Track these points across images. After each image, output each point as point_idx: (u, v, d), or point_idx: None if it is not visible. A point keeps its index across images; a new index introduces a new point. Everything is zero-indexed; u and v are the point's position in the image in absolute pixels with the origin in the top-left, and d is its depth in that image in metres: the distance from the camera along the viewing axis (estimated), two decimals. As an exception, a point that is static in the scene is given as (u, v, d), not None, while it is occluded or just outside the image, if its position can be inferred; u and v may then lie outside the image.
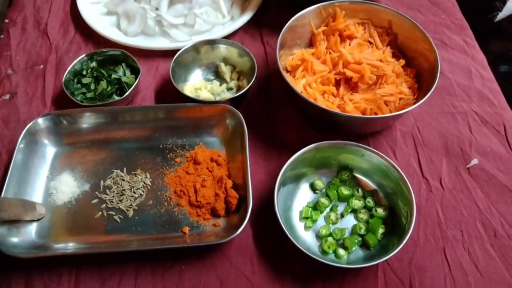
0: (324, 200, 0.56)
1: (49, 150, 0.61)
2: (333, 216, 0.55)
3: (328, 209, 0.56)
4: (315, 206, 0.56)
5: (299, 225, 0.55)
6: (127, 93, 0.63)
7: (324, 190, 0.58)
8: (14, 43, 0.76)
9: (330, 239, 0.53)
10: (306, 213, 0.55)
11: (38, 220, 0.54)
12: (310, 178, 0.58)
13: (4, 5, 0.76)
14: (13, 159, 0.56)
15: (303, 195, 0.57)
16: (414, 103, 0.58)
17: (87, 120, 0.61)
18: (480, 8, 1.82)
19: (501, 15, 1.69)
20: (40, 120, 0.59)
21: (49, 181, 0.58)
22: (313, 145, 0.55)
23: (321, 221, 0.55)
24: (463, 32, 0.76)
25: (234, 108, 0.60)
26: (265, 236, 0.54)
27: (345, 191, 0.56)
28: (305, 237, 0.54)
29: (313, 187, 0.58)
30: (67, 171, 0.60)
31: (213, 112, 0.61)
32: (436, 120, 0.65)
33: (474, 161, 0.61)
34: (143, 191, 0.58)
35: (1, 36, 0.77)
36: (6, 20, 0.79)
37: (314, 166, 0.58)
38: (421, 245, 0.54)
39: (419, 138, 0.63)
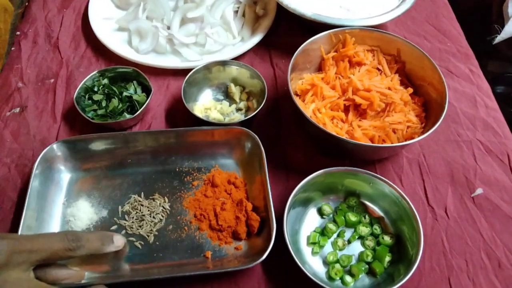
0: (331, 226, 0.57)
1: (65, 176, 0.60)
2: (340, 242, 0.56)
3: (335, 235, 0.57)
4: (323, 232, 0.57)
5: (306, 250, 0.55)
6: (138, 112, 0.63)
7: (331, 215, 0.58)
8: (25, 56, 0.76)
9: (337, 265, 0.53)
10: (314, 239, 0.55)
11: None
12: (318, 203, 0.59)
13: (17, 18, 0.76)
14: (30, 186, 0.55)
15: (311, 220, 0.58)
16: (422, 132, 0.59)
17: (102, 145, 0.61)
18: (479, 29, 1.84)
19: (499, 38, 1.71)
20: (55, 146, 0.59)
21: (66, 208, 0.58)
22: (322, 170, 0.55)
23: (328, 247, 0.56)
24: (468, 61, 0.78)
25: (250, 131, 0.60)
26: (273, 260, 0.54)
27: (352, 217, 0.57)
28: (312, 263, 0.54)
29: (320, 212, 0.58)
30: (84, 197, 0.59)
31: (229, 135, 0.61)
32: (442, 148, 0.66)
33: (479, 191, 0.61)
34: (163, 216, 0.58)
35: (12, 49, 0.77)
36: (18, 33, 0.79)
37: (322, 191, 0.59)
38: (426, 274, 0.54)
39: (425, 165, 0.64)
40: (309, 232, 0.57)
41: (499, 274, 0.55)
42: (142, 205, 0.58)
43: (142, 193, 0.60)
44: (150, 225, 0.56)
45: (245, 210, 0.56)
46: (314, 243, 0.55)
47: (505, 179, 0.63)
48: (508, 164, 0.64)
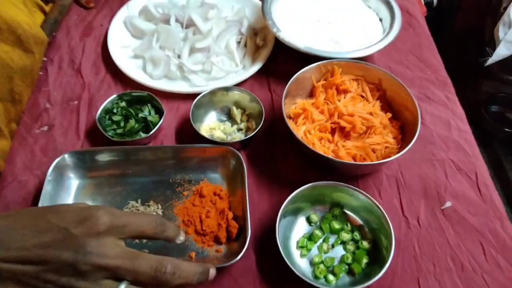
0: (318, 232, 0.65)
1: (73, 182, 0.70)
2: (325, 246, 0.64)
3: (321, 240, 0.65)
4: (310, 237, 0.65)
5: (296, 253, 0.64)
6: (152, 131, 0.73)
7: (318, 223, 0.67)
8: (52, 80, 0.86)
9: (321, 266, 0.62)
10: (302, 243, 0.64)
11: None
12: (307, 212, 0.68)
13: (46, 47, 0.87)
14: (43, 189, 0.64)
15: (300, 227, 0.67)
16: (398, 152, 0.68)
17: (107, 157, 0.70)
18: (473, 51, 1.94)
19: (491, 60, 1.81)
20: (66, 156, 0.68)
21: None
22: (310, 184, 0.64)
23: (314, 250, 0.64)
24: (446, 88, 0.87)
25: (234, 150, 0.69)
26: (267, 261, 0.63)
27: (336, 225, 0.66)
28: (301, 264, 0.63)
29: (309, 220, 0.67)
30: (88, 201, 0.69)
31: (217, 152, 0.71)
32: (418, 166, 0.75)
33: (448, 204, 0.70)
34: None
35: (40, 73, 0.87)
36: (45, 59, 0.90)
37: (311, 202, 0.68)
38: (398, 274, 0.63)
39: (401, 181, 0.73)
40: (298, 237, 0.65)
41: (462, 275, 0.63)
42: (138, 210, 0.67)
43: (139, 199, 0.69)
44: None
45: (226, 218, 0.65)
46: (302, 247, 0.64)
47: (472, 194, 0.72)
48: (476, 181, 0.73)
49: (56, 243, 0.41)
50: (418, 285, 0.62)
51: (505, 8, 1.74)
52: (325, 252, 0.64)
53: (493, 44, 1.78)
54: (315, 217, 0.67)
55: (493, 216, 0.69)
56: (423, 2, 1.95)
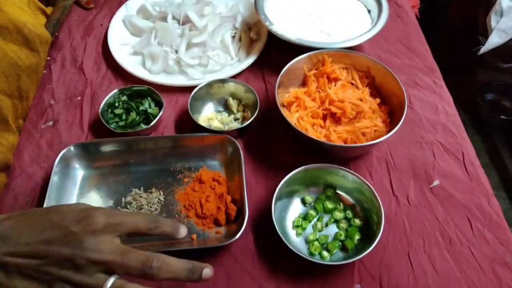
0: (312, 212, 0.69)
1: (79, 172, 0.74)
2: (319, 225, 0.68)
3: (315, 219, 0.69)
4: (305, 217, 0.69)
5: (291, 232, 0.68)
6: (152, 123, 0.77)
7: (312, 204, 0.71)
8: (55, 78, 0.90)
9: (316, 243, 0.66)
10: (298, 223, 0.68)
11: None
12: (302, 194, 0.71)
13: (49, 46, 0.91)
14: (50, 180, 0.68)
15: (296, 208, 0.70)
16: (386, 134, 0.71)
17: (110, 148, 0.74)
18: (467, 41, 1.97)
19: (483, 49, 1.84)
20: (72, 148, 0.72)
21: (79, 198, 0.71)
22: (303, 167, 0.68)
23: (309, 229, 0.68)
24: (433, 74, 0.90)
25: (231, 137, 0.73)
26: (264, 241, 0.67)
27: (329, 205, 0.69)
28: (297, 242, 0.67)
29: (303, 201, 0.71)
30: (94, 190, 0.72)
31: (215, 140, 0.74)
32: (406, 148, 0.78)
33: (436, 182, 0.74)
34: (158, 206, 0.71)
35: (44, 72, 0.91)
36: (48, 58, 0.93)
37: (305, 184, 0.71)
38: (389, 249, 0.66)
39: (391, 162, 0.76)
40: (294, 218, 0.69)
41: (450, 249, 0.67)
42: (141, 197, 0.71)
43: (142, 187, 0.72)
44: (147, 213, 0.69)
45: (225, 201, 0.69)
46: (297, 226, 0.68)
47: (459, 173, 0.75)
48: (462, 160, 0.77)
49: (57, 239, 0.45)
50: (408, 259, 0.66)
51: (497, -3, 1.77)
52: (320, 231, 0.68)
53: (486, 33, 1.81)
54: (309, 198, 0.71)
55: (480, 193, 0.73)
56: (416, -6, 1.98)
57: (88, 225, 0.46)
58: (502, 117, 1.93)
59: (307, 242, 0.67)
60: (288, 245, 0.61)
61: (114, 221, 0.48)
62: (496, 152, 1.91)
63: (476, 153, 0.78)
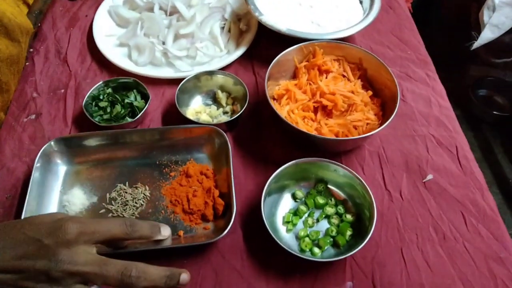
0: (303, 208, 0.67)
1: (61, 168, 0.71)
2: (310, 220, 0.66)
3: (306, 215, 0.67)
4: (296, 212, 0.67)
5: (282, 228, 0.66)
6: (138, 116, 0.74)
7: (303, 199, 0.69)
8: (38, 70, 0.87)
9: (307, 239, 0.64)
10: (288, 218, 0.66)
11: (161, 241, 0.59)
12: (292, 189, 0.69)
13: (32, 38, 0.87)
14: (32, 177, 0.65)
15: (286, 203, 0.68)
16: (378, 128, 0.70)
17: (93, 142, 0.71)
18: (460, 36, 1.96)
19: (476, 44, 1.83)
20: (53, 143, 0.69)
21: (62, 195, 0.69)
22: (293, 161, 0.66)
23: (300, 225, 0.66)
24: (426, 67, 0.89)
25: (219, 129, 0.71)
26: (253, 237, 0.65)
27: (320, 200, 0.67)
28: (287, 238, 0.65)
29: (294, 197, 0.69)
30: (77, 186, 0.70)
31: (202, 132, 0.72)
32: (399, 141, 0.76)
33: (429, 177, 0.72)
34: (143, 202, 0.68)
35: (27, 63, 0.88)
36: (31, 50, 0.90)
37: (295, 179, 0.69)
38: (382, 245, 0.65)
39: (384, 156, 0.74)
40: (284, 213, 0.67)
41: (444, 244, 0.65)
42: (126, 192, 0.69)
43: (127, 182, 0.70)
44: (133, 209, 0.67)
45: (213, 196, 0.66)
46: (288, 222, 0.66)
47: (452, 167, 0.73)
48: (456, 154, 0.75)
49: (31, 253, 0.44)
50: (401, 255, 0.64)
51: (489, -8, 1.76)
52: (310, 226, 0.66)
53: (478, 28, 1.80)
54: (300, 193, 0.69)
55: (474, 187, 0.71)
56: (409, -11, 1.97)
57: (61, 236, 0.45)
58: (495, 112, 1.92)
59: (298, 238, 0.65)
60: (278, 241, 0.59)
61: (88, 230, 0.47)
62: (488, 148, 1.91)
63: (468, 146, 0.77)
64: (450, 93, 0.85)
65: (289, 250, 0.59)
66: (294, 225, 0.66)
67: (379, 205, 0.68)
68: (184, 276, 0.49)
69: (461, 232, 0.66)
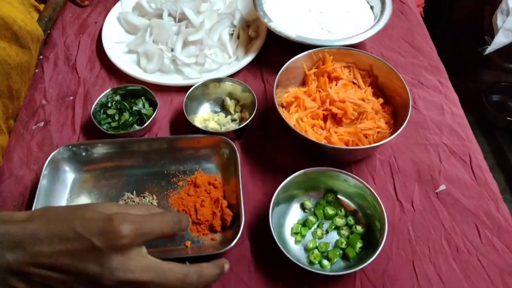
0: (312, 218, 0.66)
1: (69, 176, 0.71)
2: (319, 232, 0.65)
3: (315, 226, 0.66)
4: (304, 223, 0.66)
5: (290, 239, 0.64)
6: (146, 124, 0.74)
7: (312, 209, 0.67)
8: (47, 77, 0.87)
9: (316, 251, 0.62)
10: (297, 229, 0.65)
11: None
12: (301, 199, 0.68)
13: (42, 44, 0.88)
14: (39, 184, 0.65)
15: (294, 214, 0.67)
16: (390, 136, 0.68)
17: (101, 150, 0.71)
18: (473, 40, 1.94)
19: (490, 49, 1.81)
20: (62, 150, 0.69)
21: (69, 203, 0.68)
22: (302, 171, 0.65)
23: (309, 236, 0.65)
24: (438, 73, 0.87)
25: (228, 139, 0.70)
26: (261, 248, 0.64)
27: (330, 211, 0.66)
28: (295, 250, 0.63)
29: (303, 207, 0.67)
30: (85, 194, 0.69)
31: (211, 142, 0.71)
32: (411, 150, 0.75)
33: (442, 187, 0.70)
34: None
35: (36, 70, 0.88)
36: (41, 57, 0.91)
37: (304, 189, 0.68)
38: (393, 258, 0.63)
39: (395, 166, 0.73)
40: (293, 224, 0.66)
41: (457, 257, 0.63)
42: (133, 201, 0.68)
43: (134, 191, 0.69)
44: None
45: (221, 206, 0.65)
46: (296, 233, 0.64)
47: (466, 177, 0.71)
48: (470, 164, 0.73)
49: (81, 253, 0.42)
50: (413, 268, 0.62)
51: (503, -4, 1.73)
52: (319, 238, 0.64)
53: (492, 32, 1.77)
54: (309, 204, 0.67)
55: (488, 198, 0.69)
56: (421, -7, 1.94)
57: (114, 240, 0.42)
58: (508, 118, 1.89)
59: (307, 250, 0.63)
60: (286, 253, 0.58)
61: (142, 232, 0.44)
62: (502, 154, 1.87)
63: (482, 155, 0.75)
64: (462, 98, 0.83)
65: (297, 262, 0.57)
66: (303, 236, 0.64)
67: (390, 217, 0.67)
68: (226, 266, 0.53)
69: (474, 245, 0.65)
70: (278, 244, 0.59)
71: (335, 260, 0.62)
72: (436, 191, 0.70)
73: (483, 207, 0.68)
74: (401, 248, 0.64)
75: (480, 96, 1.95)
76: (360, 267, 0.57)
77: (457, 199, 0.69)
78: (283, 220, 0.66)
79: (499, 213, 0.68)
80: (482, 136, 1.93)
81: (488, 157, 1.85)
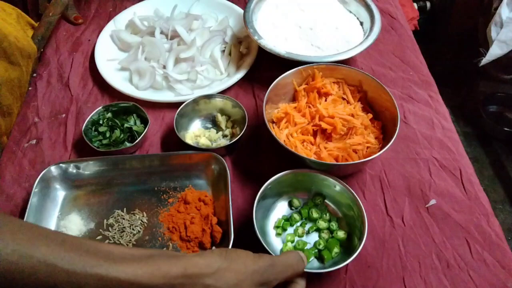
0: (296, 216, 0.66)
1: (60, 193, 0.71)
2: (300, 230, 0.65)
3: (298, 224, 0.66)
4: (288, 219, 0.66)
5: (272, 232, 0.66)
6: (137, 141, 0.74)
7: (299, 208, 0.68)
8: (40, 95, 0.88)
9: (289, 244, 0.63)
10: (279, 223, 0.66)
11: None
12: (290, 196, 0.69)
13: (36, 63, 0.89)
14: (30, 201, 0.66)
15: (281, 209, 0.68)
16: (379, 151, 0.68)
17: (92, 168, 0.71)
18: (468, 52, 1.95)
19: (484, 60, 1.82)
20: (52, 168, 0.69)
21: (60, 220, 0.69)
22: (290, 170, 0.66)
23: (290, 231, 0.66)
24: (429, 88, 0.87)
25: (218, 156, 0.70)
26: (245, 239, 0.62)
27: (315, 213, 0.66)
28: (275, 242, 0.65)
29: (291, 204, 0.68)
30: (75, 211, 0.70)
31: (201, 159, 0.72)
32: (401, 165, 0.75)
33: (433, 202, 0.70)
34: (141, 228, 0.68)
35: (30, 88, 0.89)
36: (34, 74, 0.91)
37: (295, 188, 0.68)
38: (383, 274, 0.63)
39: (385, 180, 0.73)
40: (277, 219, 0.67)
41: (447, 273, 0.63)
42: (123, 218, 0.68)
43: (125, 208, 0.69)
44: (130, 236, 0.66)
45: (211, 223, 0.65)
46: (278, 227, 0.65)
47: (456, 191, 0.71)
48: (460, 178, 0.73)
49: None
50: (403, 285, 0.62)
51: (496, 8, 1.75)
52: (299, 236, 0.65)
53: (486, 44, 1.78)
54: (297, 202, 0.68)
55: (479, 213, 0.69)
56: (416, 6, 1.96)
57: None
58: (506, 129, 1.89)
59: (283, 242, 0.64)
60: (264, 243, 0.58)
61: (280, 277, 0.51)
62: (500, 165, 1.86)
63: (480, 165, 0.75)
64: (459, 109, 0.83)
65: (271, 252, 0.57)
66: (284, 230, 0.66)
67: (380, 232, 0.67)
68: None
69: (465, 260, 0.64)
70: (258, 234, 0.59)
71: (310, 259, 0.62)
72: (427, 205, 0.70)
73: (474, 222, 0.68)
74: (391, 264, 0.64)
75: (477, 107, 1.95)
76: (331, 269, 0.57)
77: (448, 213, 0.69)
78: (269, 213, 0.67)
79: (490, 227, 0.68)
80: (480, 147, 1.93)
81: (486, 168, 1.84)
